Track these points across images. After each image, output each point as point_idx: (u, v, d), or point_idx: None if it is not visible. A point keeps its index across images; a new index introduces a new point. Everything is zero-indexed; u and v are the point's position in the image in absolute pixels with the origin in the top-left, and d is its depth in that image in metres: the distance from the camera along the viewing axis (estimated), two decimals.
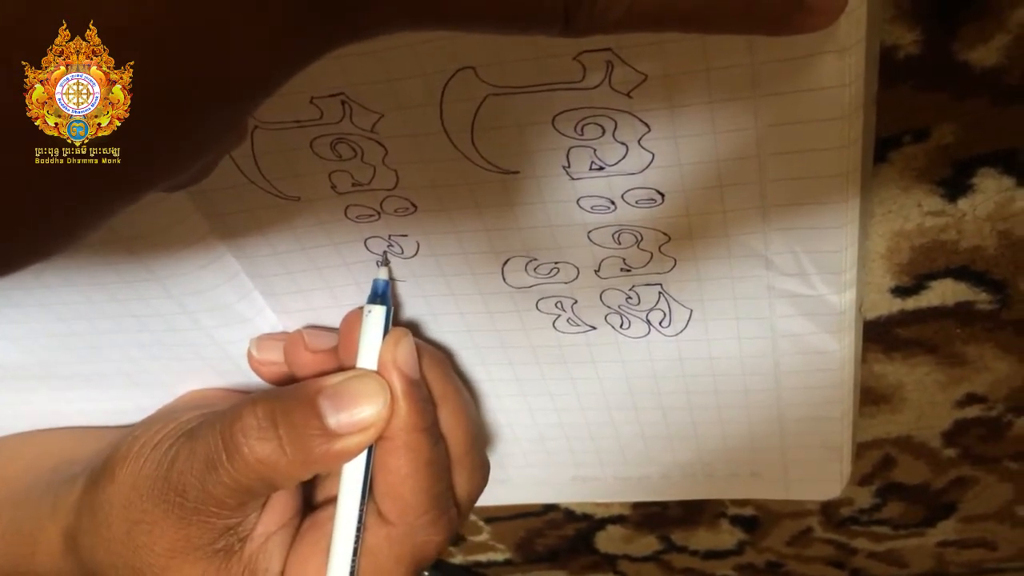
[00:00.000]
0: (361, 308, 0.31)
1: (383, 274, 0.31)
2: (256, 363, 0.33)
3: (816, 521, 0.51)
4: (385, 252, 0.30)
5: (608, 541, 0.57)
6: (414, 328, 0.33)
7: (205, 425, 0.29)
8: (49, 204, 0.14)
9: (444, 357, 0.33)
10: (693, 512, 0.52)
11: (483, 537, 0.58)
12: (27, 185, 0.13)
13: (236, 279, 0.31)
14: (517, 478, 0.40)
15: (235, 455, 0.28)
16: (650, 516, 0.53)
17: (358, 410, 0.29)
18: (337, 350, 0.31)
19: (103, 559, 0.30)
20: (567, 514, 0.54)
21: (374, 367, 0.30)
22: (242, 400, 0.30)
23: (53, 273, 0.30)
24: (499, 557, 0.61)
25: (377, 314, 0.30)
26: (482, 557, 0.61)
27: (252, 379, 0.35)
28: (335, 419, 0.28)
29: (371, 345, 0.30)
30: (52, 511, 0.32)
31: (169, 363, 0.34)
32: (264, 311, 0.33)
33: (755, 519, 0.52)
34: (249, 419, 0.28)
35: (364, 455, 0.30)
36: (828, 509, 0.50)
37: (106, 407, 0.37)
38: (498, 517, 0.55)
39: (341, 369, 0.31)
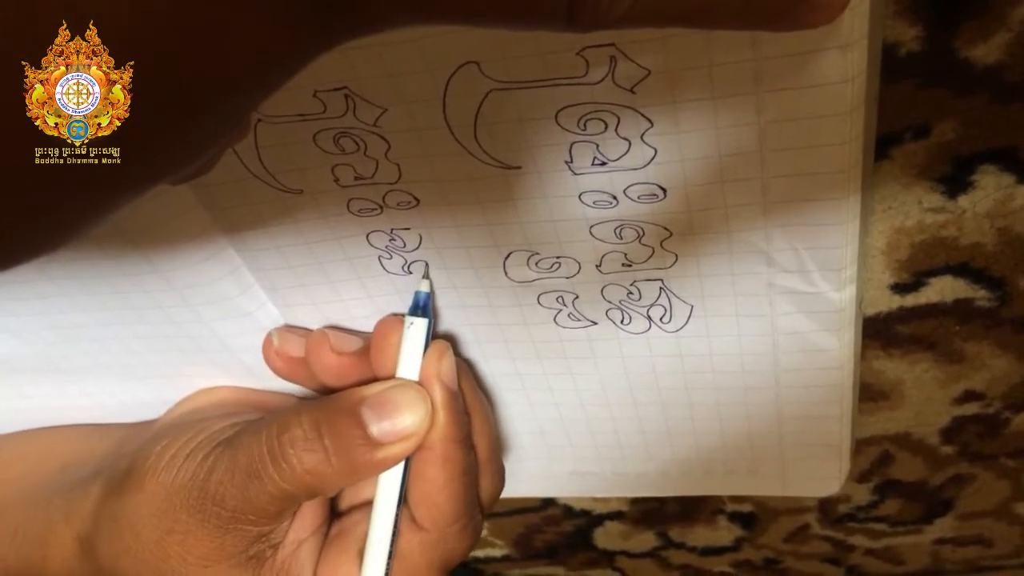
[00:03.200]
0: (395, 316, 0.32)
1: (424, 287, 0.31)
2: (273, 353, 0.33)
3: (814, 518, 0.52)
4: (427, 264, 0.31)
5: (606, 537, 0.57)
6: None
7: (246, 435, 0.30)
8: (50, 202, 0.14)
9: (468, 368, 0.34)
10: (691, 509, 0.52)
11: (481, 532, 0.58)
12: (27, 184, 0.13)
13: (237, 272, 0.31)
14: (516, 472, 0.41)
15: (282, 465, 0.28)
16: (648, 512, 0.53)
17: (400, 419, 0.29)
18: (368, 355, 0.32)
19: (128, 567, 0.30)
20: (565, 510, 0.54)
21: (415, 378, 0.30)
22: (285, 410, 0.30)
23: (55, 265, 0.30)
24: (497, 553, 0.61)
25: (419, 326, 0.31)
26: (480, 553, 0.61)
27: (254, 373, 0.35)
28: (377, 428, 0.29)
29: (412, 356, 0.31)
30: (64, 516, 0.32)
31: (170, 356, 0.34)
32: (266, 305, 0.33)
33: (753, 516, 0.52)
34: (296, 430, 0.29)
35: (402, 463, 0.30)
36: (826, 506, 0.50)
37: (107, 400, 0.37)
38: (496, 513, 0.56)
39: (371, 374, 0.32)
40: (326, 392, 0.33)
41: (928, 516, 0.50)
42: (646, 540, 0.57)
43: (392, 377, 0.31)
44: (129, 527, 0.30)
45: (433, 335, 0.33)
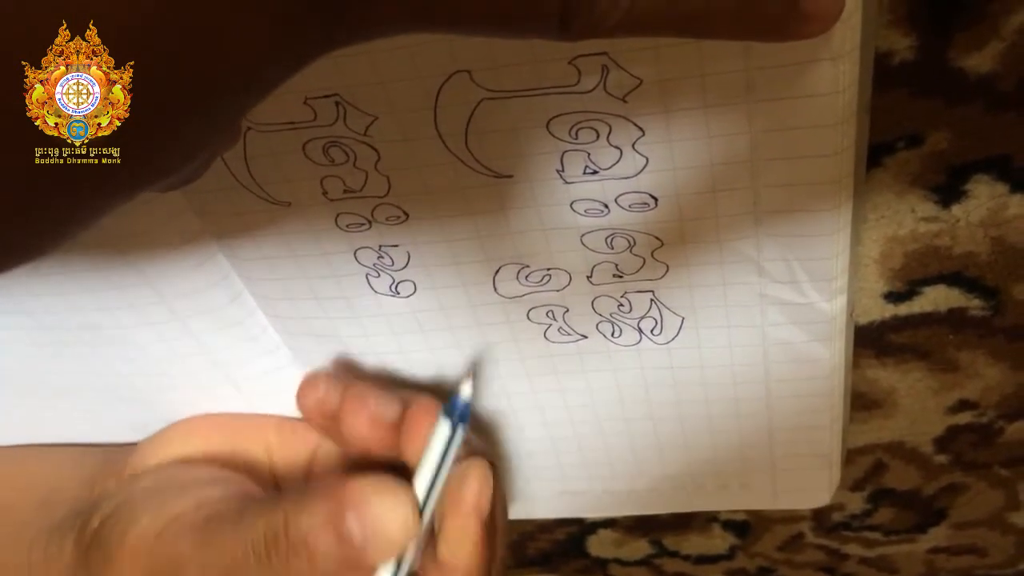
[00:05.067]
0: (431, 406, 0.30)
1: (466, 392, 0.30)
2: (312, 403, 0.32)
3: (807, 527, 0.51)
4: (474, 365, 0.29)
5: (599, 545, 0.57)
6: None
7: (220, 537, 0.29)
8: (43, 204, 0.14)
9: (498, 482, 0.32)
10: (684, 517, 0.52)
11: None
12: (25, 185, 0.13)
13: (228, 280, 0.31)
14: (505, 493, 0.40)
15: None
16: (642, 520, 0.53)
17: (383, 530, 0.27)
18: (399, 431, 0.30)
19: None
20: (558, 518, 0.54)
21: (436, 487, 0.29)
22: (262, 518, 0.28)
23: (39, 281, 0.30)
24: None
25: (455, 436, 0.29)
26: None
27: (241, 391, 0.35)
28: (361, 536, 0.27)
29: (434, 463, 0.29)
30: (44, 570, 0.32)
31: (157, 380, 0.34)
32: (255, 313, 0.32)
33: (747, 524, 0.52)
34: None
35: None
36: (820, 515, 0.50)
37: (91, 419, 0.37)
38: None
39: (397, 458, 0.30)
40: (348, 451, 0.32)
41: (922, 525, 0.50)
42: (639, 548, 0.56)
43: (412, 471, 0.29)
44: None
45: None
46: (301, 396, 0.32)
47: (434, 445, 0.29)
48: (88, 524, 0.32)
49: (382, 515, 0.27)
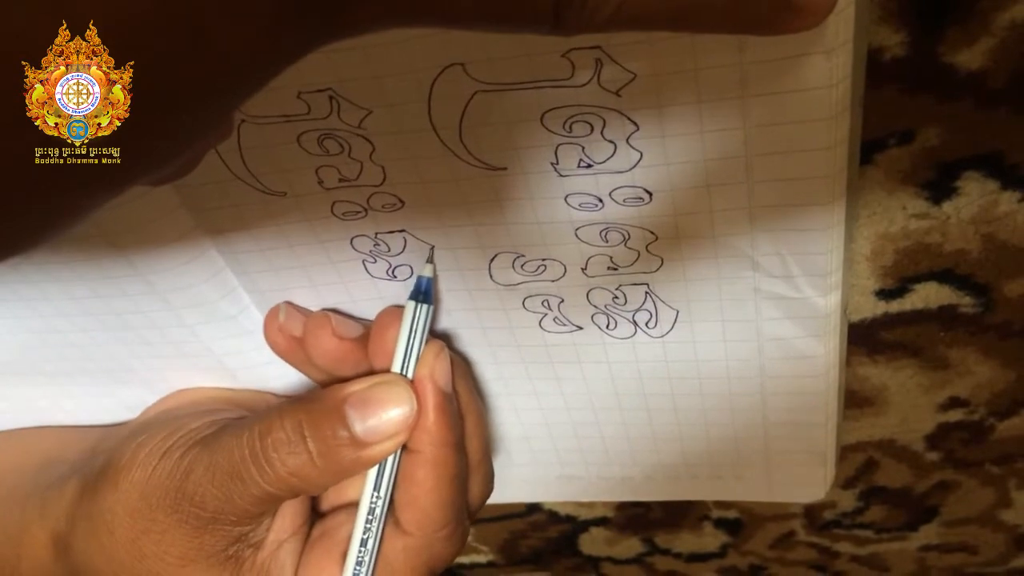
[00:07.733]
0: (398, 307, 0.31)
1: (428, 271, 0.30)
2: (276, 328, 0.32)
3: (799, 524, 0.52)
4: (432, 248, 0.30)
5: (591, 543, 0.57)
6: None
7: (225, 436, 0.29)
8: (37, 201, 0.14)
9: (467, 367, 0.33)
10: (676, 514, 0.52)
11: (468, 539, 0.58)
12: (24, 184, 0.13)
13: (220, 275, 0.31)
14: (501, 477, 0.40)
15: (265, 468, 0.28)
16: (634, 518, 0.53)
17: (385, 418, 0.29)
18: (367, 343, 0.31)
19: (102, 567, 0.30)
20: (551, 516, 0.54)
21: (411, 369, 0.30)
22: (267, 412, 0.30)
23: (34, 268, 0.30)
24: (482, 559, 0.61)
25: (420, 313, 0.30)
26: (465, 559, 0.61)
27: (237, 378, 0.35)
28: (362, 427, 0.28)
29: (409, 346, 0.30)
30: (39, 516, 0.32)
31: (152, 361, 0.34)
32: (248, 308, 0.32)
33: (738, 522, 0.52)
34: (279, 432, 0.28)
35: (389, 464, 0.30)
36: (811, 512, 0.50)
37: (88, 404, 0.37)
38: (481, 519, 0.55)
39: (367, 363, 0.31)
40: (320, 377, 0.32)
41: (913, 523, 0.50)
42: (631, 546, 0.56)
43: (388, 370, 0.30)
44: (104, 526, 0.30)
45: (434, 324, 0.32)
46: (266, 327, 0.32)
47: (404, 326, 0.30)
48: (92, 464, 0.32)
49: (383, 401, 0.29)
